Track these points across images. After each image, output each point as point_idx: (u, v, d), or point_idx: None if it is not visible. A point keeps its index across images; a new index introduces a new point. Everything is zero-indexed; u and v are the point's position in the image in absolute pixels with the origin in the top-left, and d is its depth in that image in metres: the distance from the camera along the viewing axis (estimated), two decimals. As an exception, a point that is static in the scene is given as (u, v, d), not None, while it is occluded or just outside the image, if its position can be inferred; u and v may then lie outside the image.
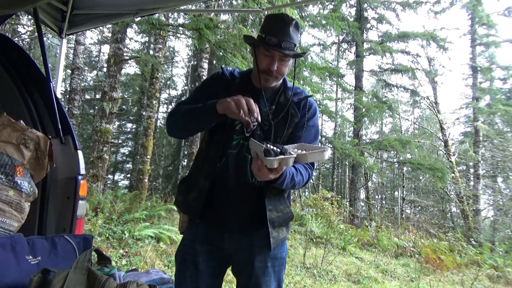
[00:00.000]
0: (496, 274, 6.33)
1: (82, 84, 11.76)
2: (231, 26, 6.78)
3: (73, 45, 8.86)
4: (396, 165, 17.94)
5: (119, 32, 6.62)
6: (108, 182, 14.75)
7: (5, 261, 0.86)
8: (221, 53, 6.26)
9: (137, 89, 15.82)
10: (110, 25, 7.67)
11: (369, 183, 15.57)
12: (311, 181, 16.89)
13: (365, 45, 13.51)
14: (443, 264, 6.51)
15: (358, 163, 11.51)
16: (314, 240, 7.01)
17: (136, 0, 2.18)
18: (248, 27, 7.63)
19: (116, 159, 17.15)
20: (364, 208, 15.40)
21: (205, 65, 9.16)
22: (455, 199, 12.82)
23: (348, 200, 12.55)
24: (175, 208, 5.12)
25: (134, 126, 17.05)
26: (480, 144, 13.10)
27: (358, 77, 13.49)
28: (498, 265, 6.83)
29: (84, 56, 11.39)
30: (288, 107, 1.35)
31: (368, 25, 13.81)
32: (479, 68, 13.75)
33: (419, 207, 16.85)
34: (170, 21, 8.56)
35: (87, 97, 16.17)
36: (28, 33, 9.57)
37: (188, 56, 16.17)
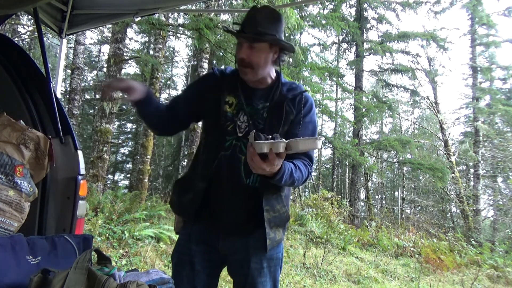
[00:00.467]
0: (496, 274, 6.33)
1: (82, 84, 11.77)
2: (231, 26, 6.78)
3: (73, 45, 8.86)
4: (396, 165, 17.94)
5: (119, 32, 6.62)
6: (108, 182, 14.74)
7: (5, 261, 0.86)
8: (221, 53, 6.26)
9: (137, 89, 15.74)
10: (110, 25, 7.67)
11: (369, 183, 15.57)
12: (311, 180, 16.89)
13: (365, 45, 13.51)
14: (443, 264, 6.51)
15: (358, 163, 11.51)
16: (314, 240, 7.01)
17: (136, 0, 2.18)
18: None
19: (116, 159, 17.15)
20: (364, 208, 15.40)
21: (205, 65, 9.15)
22: (455, 199, 12.82)
23: (348, 200, 12.55)
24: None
25: (134, 126, 17.05)
26: (480, 144, 13.10)
27: (358, 77, 13.48)
28: (498, 265, 6.83)
29: (84, 56, 11.39)
30: (283, 104, 1.30)
31: (368, 25, 13.81)
32: (479, 68, 13.75)
33: (419, 207, 16.84)
34: (170, 21, 8.56)
35: (87, 97, 16.16)
36: (28, 33, 9.57)
37: (188, 56, 16.17)
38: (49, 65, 1.85)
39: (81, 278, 0.76)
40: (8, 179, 1.03)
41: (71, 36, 6.98)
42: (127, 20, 5.18)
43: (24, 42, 9.85)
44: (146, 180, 7.37)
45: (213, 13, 6.58)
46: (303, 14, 11.25)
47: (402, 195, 16.66)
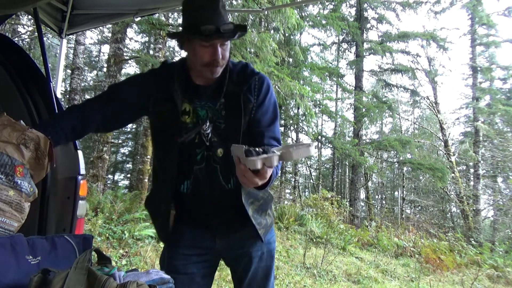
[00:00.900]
0: (496, 274, 6.33)
1: (82, 84, 11.77)
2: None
3: (73, 45, 8.86)
4: (396, 165, 17.94)
5: (119, 32, 6.62)
6: (108, 182, 14.74)
7: (5, 261, 0.86)
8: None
9: (137, 89, 15.77)
10: (110, 25, 7.67)
11: (369, 183, 15.58)
12: (311, 180, 16.89)
13: (365, 45, 13.51)
14: (443, 264, 6.51)
15: (358, 163, 11.51)
16: (314, 240, 7.01)
17: (136, 0, 2.18)
18: (248, 27, 7.62)
19: (116, 159, 17.15)
20: (364, 208, 15.40)
21: (205, 65, 9.14)
22: (455, 199, 12.82)
23: (348, 200, 12.55)
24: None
25: (134, 126, 17.03)
26: (480, 144, 13.10)
27: (358, 77, 13.49)
28: (498, 265, 6.83)
29: (84, 56, 11.39)
30: (239, 95, 1.21)
31: (368, 25, 13.82)
32: (479, 68, 13.76)
33: (419, 207, 16.85)
34: (170, 21, 8.56)
35: (87, 97, 16.14)
36: (28, 33, 9.57)
37: (188, 56, 16.15)
38: (49, 65, 1.85)
39: (81, 278, 0.76)
40: (8, 179, 1.03)
41: (71, 36, 6.98)
42: (127, 20, 5.18)
43: (24, 42, 9.85)
44: (146, 180, 7.37)
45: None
46: (303, 14, 11.26)
47: (402, 195, 16.66)
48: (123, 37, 6.90)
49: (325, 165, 20.81)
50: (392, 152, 14.35)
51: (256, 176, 0.95)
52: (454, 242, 8.08)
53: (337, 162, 17.88)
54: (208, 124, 1.22)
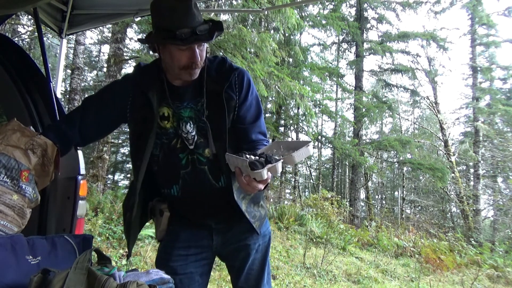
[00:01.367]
0: (496, 274, 6.33)
1: (82, 84, 11.76)
2: (231, 26, 6.78)
3: (73, 45, 8.86)
4: (396, 165, 17.94)
5: (119, 32, 6.62)
6: (108, 182, 14.74)
7: (5, 261, 0.86)
8: (221, 53, 6.26)
9: (137, 89, 15.76)
10: (110, 25, 7.67)
11: (369, 183, 15.57)
12: (311, 180, 16.89)
13: (365, 45, 13.52)
14: (443, 264, 6.51)
15: (358, 163, 11.51)
16: (314, 240, 7.01)
17: (136, 0, 2.18)
18: (248, 27, 7.63)
19: (116, 159, 17.14)
20: (364, 208, 15.40)
21: (205, 65, 9.14)
22: (455, 199, 12.83)
23: (348, 200, 12.55)
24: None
25: (134, 126, 17.03)
26: (480, 144, 13.10)
27: (358, 77, 13.49)
28: (498, 265, 6.83)
29: (84, 56, 11.39)
30: (220, 93, 1.17)
31: (368, 25, 13.82)
32: (479, 68, 13.76)
33: (419, 207, 16.85)
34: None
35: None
36: (28, 33, 9.56)
37: (188, 56, 16.15)
38: (49, 65, 1.85)
39: (81, 278, 0.76)
40: (13, 183, 1.03)
41: (71, 36, 6.98)
42: (127, 20, 5.18)
43: (24, 42, 9.84)
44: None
45: (213, 13, 6.58)
46: (303, 14, 11.26)
47: (402, 195, 16.66)
48: (123, 37, 6.90)
49: (325, 165, 20.81)
50: (392, 152, 14.35)
51: (260, 184, 0.97)
52: (454, 242, 8.08)
53: (337, 162, 17.88)
54: (187, 125, 1.20)
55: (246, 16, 7.90)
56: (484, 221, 13.60)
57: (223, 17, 8.03)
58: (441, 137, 14.06)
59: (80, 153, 1.76)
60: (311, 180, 16.95)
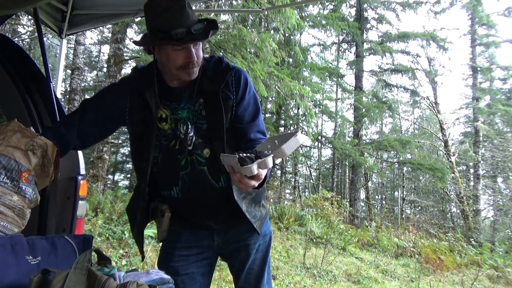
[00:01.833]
0: (496, 274, 6.33)
1: (82, 84, 11.76)
2: (231, 26, 6.79)
3: (73, 45, 8.86)
4: (396, 165, 17.94)
5: (119, 32, 6.62)
6: (108, 182, 14.75)
7: (5, 261, 0.86)
8: (221, 53, 6.26)
9: (137, 89, 15.76)
10: (110, 25, 7.67)
11: (369, 183, 15.57)
12: (311, 180, 16.89)
13: (365, 45, 13.52)
14: (443, 264, 6.50)
15: (358, 163, 11.52)
16: (314, 240, 7.00)
17: (136, 0, 2.18)
18: (248, 27, 7.63)
19: (116, 159, 17.14)
20: (364, 208, 15.40)
21: (205, 65, 9.13)
22: (455, 199, 12.82)
23: (348, 200, 12.55)
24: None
25: (134, 126, 17.03)
26: (480, 144, 13.10)
27: (358, 77, 13.49)
28: (498, 265, 6.83)
29: (84, 56, 11.38)
30: (217, 93, 1.17)
31: (368, 25, 13.82)
32: (479, 68, 13.76)
33: (419, 207, 16.84)
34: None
35: (87, 97, 16.15)
36: (28, 33, 9.56)
37: (188, 56, 16.14)
38: (49, 65, 1.85)
39: (81, 278, 0.76)
40: (13, 184, 1.03)
41: (71, 36, 6.98)
42: (127, 20, 5.18)
43: (24, 42, 9.84)
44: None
45: (213, 13, 6.58)
46: (303, 14, 11.27)
47: (402, 195, 16.66)
48: (123, 37, 6.90)
49: (325, 165, 20.80)
50: (392, 152, 14.35)
51: (252, 180, 0.96)
52: (454, 242, 8.08)
53: (337, 162, 17.88)
54: (185, 126, 1.20)
55: (246, 16, 7.90)
56: (484, 221, 13.59)
57: (223, 17, 8.04)
58: (441, 137, 14.06)
59: (80, 153, 1.76)
60: (311, 180, 16.94)
